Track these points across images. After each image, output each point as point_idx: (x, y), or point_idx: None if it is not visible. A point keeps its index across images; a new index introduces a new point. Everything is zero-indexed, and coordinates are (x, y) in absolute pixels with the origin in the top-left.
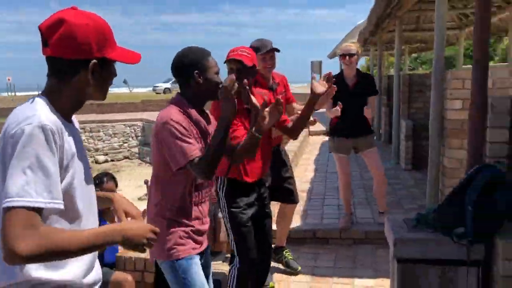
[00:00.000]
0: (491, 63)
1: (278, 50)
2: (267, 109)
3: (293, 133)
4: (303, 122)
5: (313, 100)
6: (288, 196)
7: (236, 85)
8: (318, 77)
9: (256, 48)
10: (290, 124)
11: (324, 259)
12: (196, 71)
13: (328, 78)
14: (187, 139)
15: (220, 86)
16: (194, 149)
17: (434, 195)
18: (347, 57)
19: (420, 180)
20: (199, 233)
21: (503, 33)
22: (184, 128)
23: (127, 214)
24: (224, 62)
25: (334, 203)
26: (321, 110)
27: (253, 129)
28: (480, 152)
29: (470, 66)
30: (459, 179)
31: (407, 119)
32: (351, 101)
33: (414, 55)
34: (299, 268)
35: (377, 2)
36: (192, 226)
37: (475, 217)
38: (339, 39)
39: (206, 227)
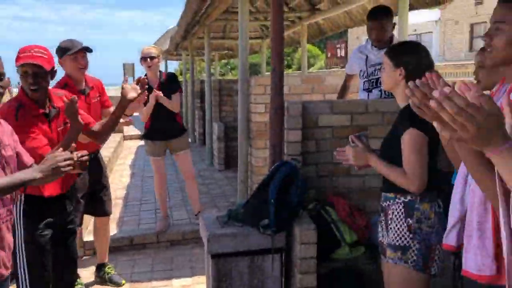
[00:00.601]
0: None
1: (90, 50)
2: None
3: (99, 136)
4: (111, 126)
5: (123, 104)
6: (101, 208)
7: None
8: (131, 80)
9: (65, 48)
10: (96, 127)
11: (142, 264)
12: None
13: (141, 83)
14: None
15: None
16: None
17: (244, 192)
18: (148, 60)
19: (232, 178)
20: None
21: (298, 45)
22: None
23: None
24: (17, 66)
25: (151, 207)
26: (136, 114)
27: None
28: (280, 150)
29: None
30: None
31: (218, 121)
32: (158, 103)
33: (224, 61)
34: (124, 282)
35: (186, 10)
36: None
37: (276, 210)
38: (151, 42)
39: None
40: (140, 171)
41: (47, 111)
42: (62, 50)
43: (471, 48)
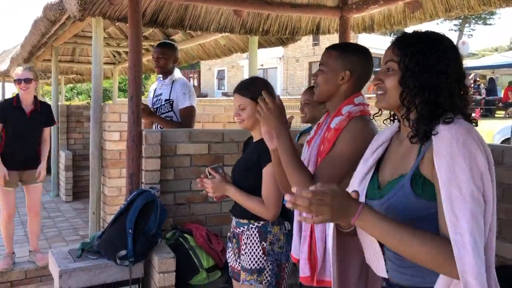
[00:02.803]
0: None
1: None
2: None
3: None
4: None
5: None
6: None
7: None
8: None
9: None
10: None
11: None
12: None
13: None
14: None
15: None
16: None
17: (96, 224)
18: (23, 83)
19: (81, 210)
20: None
21: (151, 72)
22: None
23: None
24: None
25: None
26: None
27: None
28: (137, 179)
29: (124, 99)
30: (119, 206)
31: (66, 149)
32: (25, 128)
33: (70, 85)
34: None
35: (32, 31)
36: None
37: (134, 239)
38: None
39: None
40: None
41: None
42: None
43: (310, 83)
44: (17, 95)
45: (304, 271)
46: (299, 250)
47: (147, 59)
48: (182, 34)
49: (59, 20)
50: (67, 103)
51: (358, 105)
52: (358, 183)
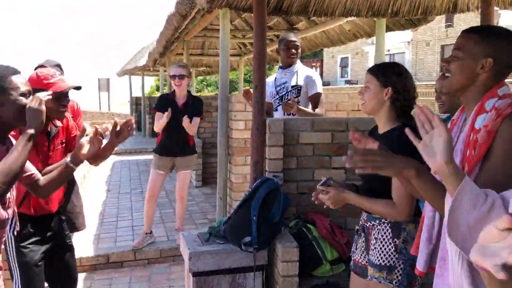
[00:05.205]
0: None
1: (79, 88)
2: (87, 138)
3: (42, 192)
4: (59, 182)
5: (75, 160)
6: (72, 225)
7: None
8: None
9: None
10: (42, 182)
11: (119, 283)
12: None
13: (100, 133)
14: None
15: (28, 107)
16: None
17: (223, 209)
18: (177, 78)
19: (209, 195)
20: None
21: (275, 62)
22: None
23: None
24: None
25: (128, 224)
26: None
27: (69, 159)
28: (261, 167)
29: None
30: (244, 192)
31: (196, 137)
32: (178, 119)
33: (200, 77)
34: None
35: (166, 26)
36: None
37: (258, 227)
38: (127, 56)
39: None
40: (116, 187)
41: (48, 129)
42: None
43: (442, 69)
44: (173, 90)
45: None
46: (424, 265)
47: (271, 49)
48: (306, 22)
49: (190, 14)
50: (197, 94)
51: (503, 98)
52: None
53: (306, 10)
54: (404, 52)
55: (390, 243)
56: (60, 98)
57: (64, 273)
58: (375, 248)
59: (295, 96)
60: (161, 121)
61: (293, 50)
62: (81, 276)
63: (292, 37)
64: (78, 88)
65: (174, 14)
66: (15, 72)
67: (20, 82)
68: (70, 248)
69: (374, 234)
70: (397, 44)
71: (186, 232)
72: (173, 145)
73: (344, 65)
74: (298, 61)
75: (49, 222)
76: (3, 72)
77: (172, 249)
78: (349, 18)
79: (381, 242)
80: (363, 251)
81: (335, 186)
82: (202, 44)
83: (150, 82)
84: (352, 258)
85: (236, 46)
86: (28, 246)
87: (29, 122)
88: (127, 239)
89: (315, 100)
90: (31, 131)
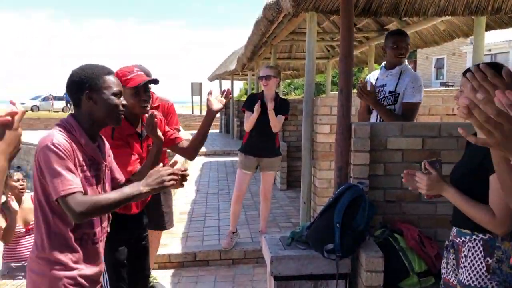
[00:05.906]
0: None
1: (156, 82)
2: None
3: (191, 152)
4: (201, 140)
5: (210, 115)
6: (161, 223)
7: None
8: (216, 92)
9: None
10: (184, 143)
11: (205, 281)
12: (87, 91)
13: (226, 94)
14: (63, 170)
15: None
16: (70, 183)
17: (306, 213)
18: (264, 79)
19: (293, 198)
20: (90, 279)
21: (364, 64)
22: (65, 154)
23: None
24: (138, 85)
25: (215, 224)
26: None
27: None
28: (346, 173)
29: (336, 92)
30: (328, 198)
31: (282, 141)
32: (262, 121)
33: (287, 81)
34: None
35: (254, 31)
36: (81, 270)
37: (341, 234)
38: (218, 62)
39: (97, 270)
40: (204, 188)
41: (139, 130)
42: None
43: None
44: (262, 90)
45: None
46: None
47: (360, 51)
48: (397, 22)
49: (277, 19)
50: (284, 98)
51: None
52: None
53: (397, 10)
54: (508, 52)
55: (481, 262)
56: (139, 93)
57: (140, 270)
58: (464, 266)
59: (391, 103)
60: (251, 116)
61: (402, 50)
62: (169, 272)
63: (402, 34)
64: (154, 81)
65: (262, 20)
66: (110, 72)
67: (113, 82)
68: (145, 250)
69: (464, 252)
70: (499, 43)
71: (268, 236)
72: (259, 144)
73: (439, 66)
74: (406, 62)
75: (133, 222)
76: (98, 71)
77: (255, 251)
78: (444, 18)
79: (471, 260)
80: (453, 270)
81: (439, 172)
82: (290, 47)
83: (239, 86)
84: (442, 276)
85: (324, 49)
86: (115, 246)
87: (148, 181)
88: (214, 239)
89: (406, 109)
90: (146, 189)
